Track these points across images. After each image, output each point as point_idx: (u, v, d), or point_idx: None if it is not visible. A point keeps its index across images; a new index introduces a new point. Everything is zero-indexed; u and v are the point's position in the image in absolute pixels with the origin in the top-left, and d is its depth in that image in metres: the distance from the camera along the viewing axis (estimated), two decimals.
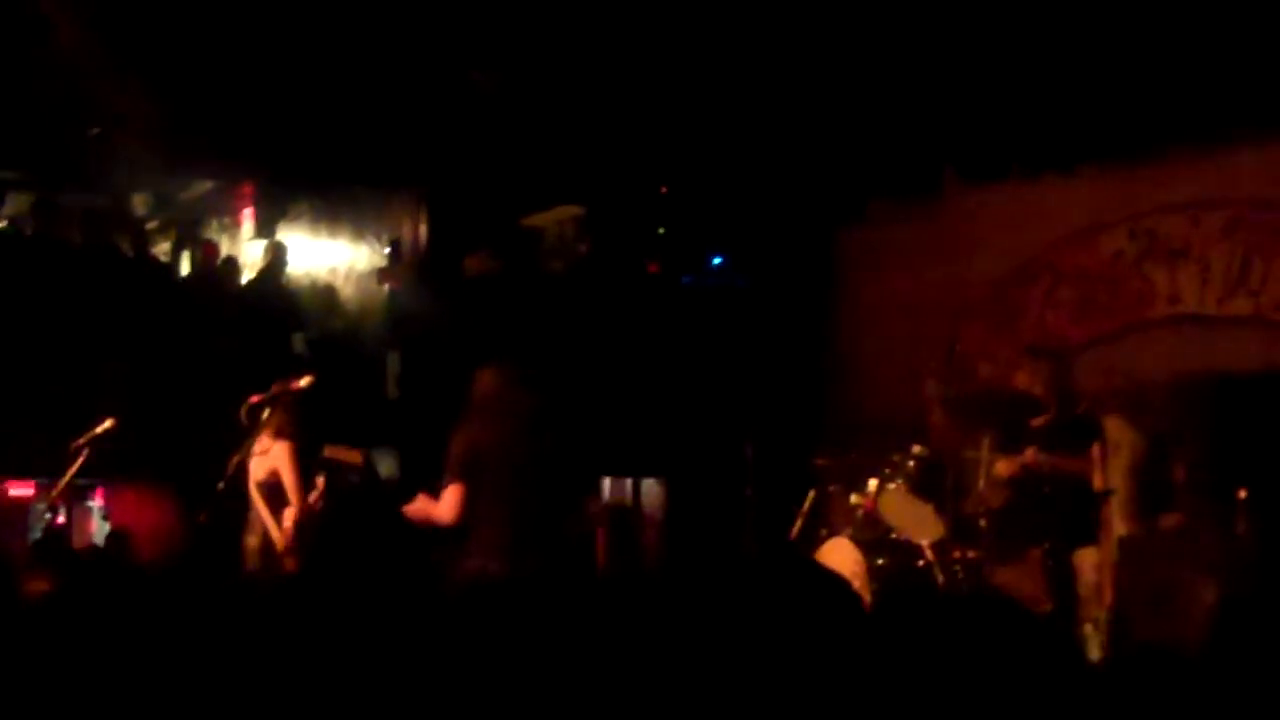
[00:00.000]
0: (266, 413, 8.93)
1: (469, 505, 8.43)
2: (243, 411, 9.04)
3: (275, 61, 12.80)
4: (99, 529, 12.59)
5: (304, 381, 9.16)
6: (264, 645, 3.77)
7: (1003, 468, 10.04)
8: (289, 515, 9.57)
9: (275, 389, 9.09)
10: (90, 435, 9.57)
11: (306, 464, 9.66)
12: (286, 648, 3.75)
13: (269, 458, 9.59)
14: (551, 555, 8.35)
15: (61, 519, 11.03)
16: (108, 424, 9.62)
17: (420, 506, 8.67)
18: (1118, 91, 11.06)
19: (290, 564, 9.37)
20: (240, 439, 9.13)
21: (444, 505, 8.50)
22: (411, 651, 3.88)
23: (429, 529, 8.73)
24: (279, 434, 9.53)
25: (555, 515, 8.69)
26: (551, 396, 8.96)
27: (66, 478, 9.62)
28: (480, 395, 8.87)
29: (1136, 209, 11.58)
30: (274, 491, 9.62)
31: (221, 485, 9.00)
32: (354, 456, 9.57)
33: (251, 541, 9.79)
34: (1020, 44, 11.21)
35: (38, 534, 11.58)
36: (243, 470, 9.39)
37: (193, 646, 4.00)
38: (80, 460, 9.52)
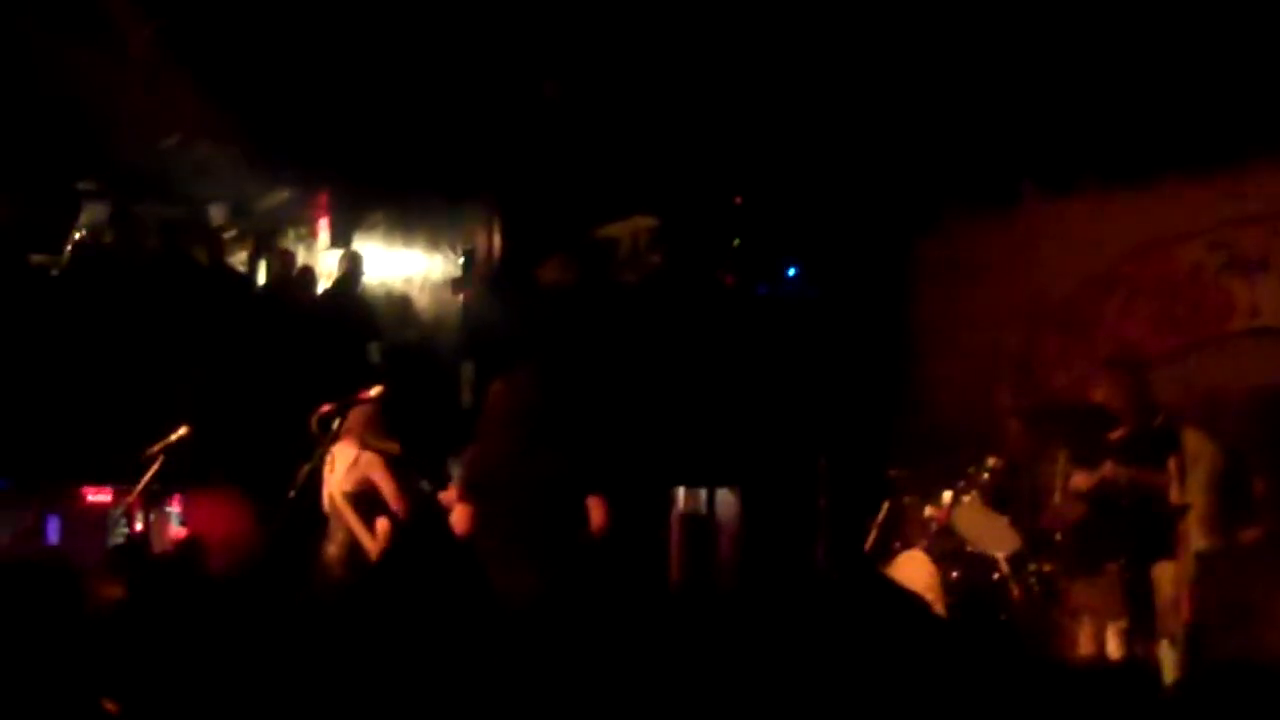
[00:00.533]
0: (337, 422, 8.93)
1: (477, 522, 8.51)
2: (313, 420, 9.05)
3: (351, 72, 12.86)
4: (177, 535, 12.68)
5: (374, 391, 9.16)
6: (337, 651, 3.78)
7: (1079, 481, 9.94)
8: (383, 524, 9.60)
9: (346, 399, 9.10)
10: (165, 442, 9.62)
11: (399, 473, 9.71)
12: (359, 653, 3.75)
13: (359, 467, 9.62)
14: (561, 571, 8.36)
15: (139, 525, 11.11)
16: (183, 431, 9.66)
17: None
18: (1197, 101, 10.94)
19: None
20: (312, 448, 9.15)
21: (455, 522, 8.59)
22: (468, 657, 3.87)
23: None
24: (364, 444, 9.60)
25: (567, 529, 8.67)
26: (577, 403, 8.97)
27: (141, 484, 9.67)
28: (489, 408, 8.94)
29: (1215, 220, 11.44)
30: (366, 500, 9.66)
31: (292, 494, 9.03)
32: (392, 447, 9.54)
33: (332, 551, 9.82)
34: (1100, 54, 11.12)
35: (118, 539, 11.69)
36: (316, 479, 9.42)
37: (260, 653, 4.01)
38: (155, 467, 9.56)
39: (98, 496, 12.70)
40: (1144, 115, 11.35)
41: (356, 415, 9.34)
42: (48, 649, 4.25)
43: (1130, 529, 9.60)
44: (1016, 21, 11.29)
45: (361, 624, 3.98)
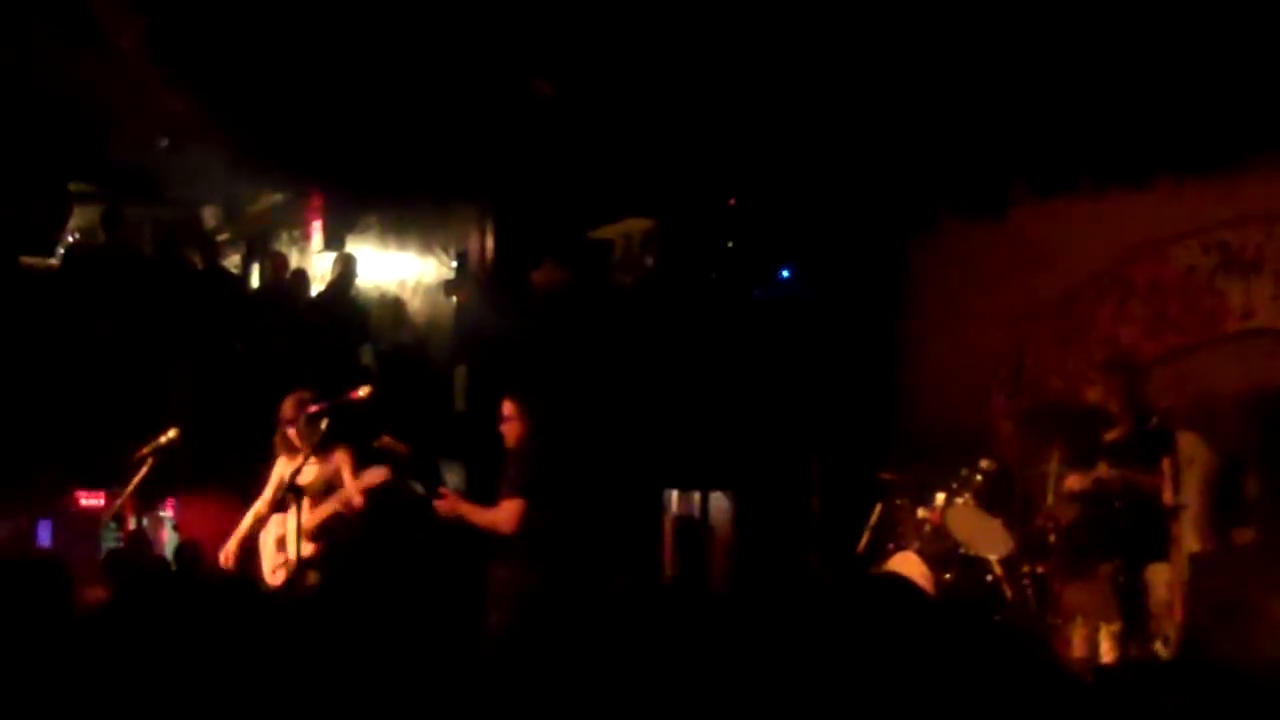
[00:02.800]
0: (325, 423, 8.93)
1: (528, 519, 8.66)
2: (302, 421, 9.06)
3: (343, 74, 12.83)
4: (170, 539, 12.65)
5: (363, 392, 9.15)
6: (301, 649, 3.76)
7: (1073, 482, 9.94)
8: (320, 510, 9.50)
9: (335, 400, 9.10)
10: (154, 445, 9.60)
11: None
12: (323, 651, 3.73)
13: (330, 465, 9.58)
14: (598, 568, 8.48)
15: (131, 528, 11.10)
16: (172, 434, 9.64)
17: (471, 510, 8.87)
18: (1191, 103, 10.92)
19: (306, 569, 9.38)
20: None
21: (504, 516, 8.68)
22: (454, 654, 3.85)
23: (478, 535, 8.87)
24: (334, 444, 9.55)
25: (605, 529, 8.86)
26: (608, 412, 9.11)
27: (130, 487, 9.65)
28: (544, 413, 9.07)
29: (1209, 222, 11.41)
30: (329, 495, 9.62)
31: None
32: (400, 447, 9.51)
33: (267, 542, 9.79)
34: (1094, 55, 11.10)
35: (110, 544, 11.67)
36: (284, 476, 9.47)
37: (248, 654, 3.99)
38: (145, 470, 9.54)
39: (90, 501, 12.68)
40: (1138, 116, 11.33)
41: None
42: (37, 651, 4.24)
43: (1124, 531, 9.60)
44: (1010, 23, 11.27)
45: (332, 620, 3.97)
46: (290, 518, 9.46)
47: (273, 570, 9.70)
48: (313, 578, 9.36)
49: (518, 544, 8.89)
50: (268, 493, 9.87)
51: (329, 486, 9.49)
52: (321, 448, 9.24)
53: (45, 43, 12.17)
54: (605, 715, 3.78)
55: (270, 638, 4.07)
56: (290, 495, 9.26)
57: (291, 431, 9.69)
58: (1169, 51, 10.71)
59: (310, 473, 9.54)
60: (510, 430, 9.47)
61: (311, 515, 9.39)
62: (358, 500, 9.37)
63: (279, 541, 9.70)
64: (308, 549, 9.40)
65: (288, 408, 9.74)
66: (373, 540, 9.60)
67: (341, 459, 9.51)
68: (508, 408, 9.50)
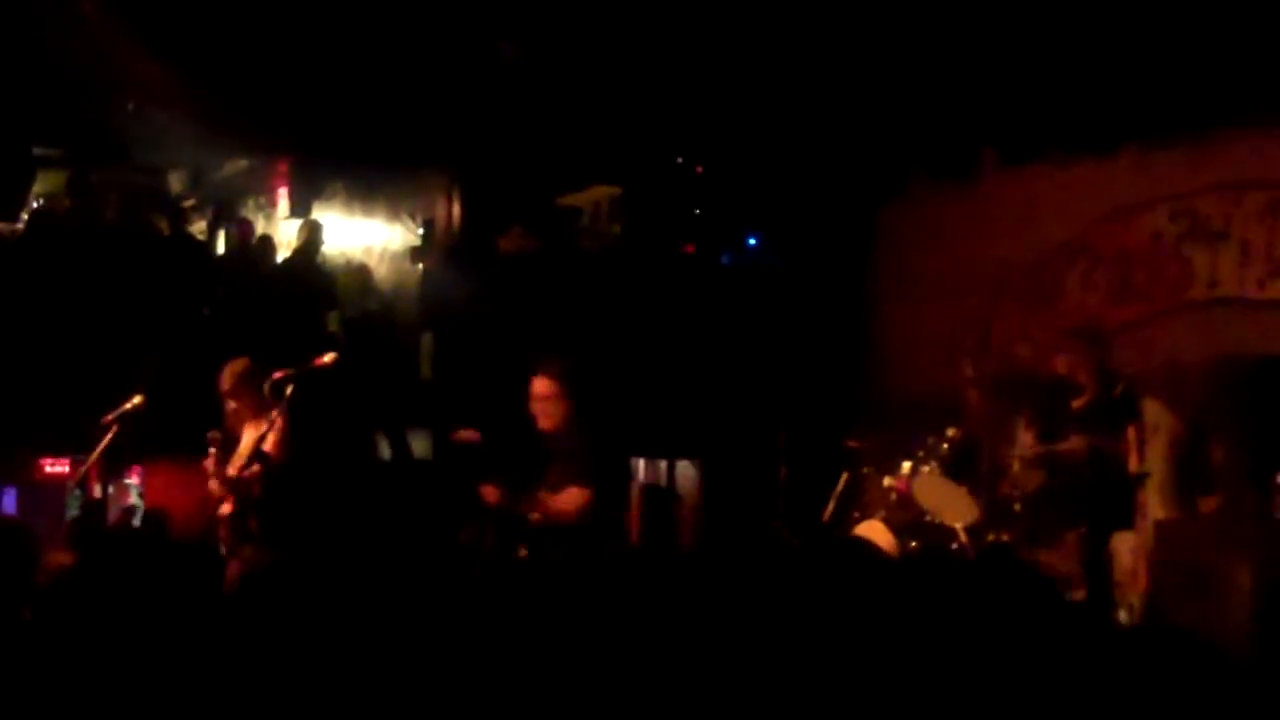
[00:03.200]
0: (290, 389, 8.87)
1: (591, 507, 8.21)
2: (266, 387, 8.99)
3: (309, 39, 12.77)
4: (136, 506, 12.61)
5: (328, 358, 9.09)
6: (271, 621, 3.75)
7: (1035, 448, 9.97)
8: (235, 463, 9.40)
9: (300, 365, 9.03)
10: (119, 411, 9.54)
11: (301, 437, 9.50)
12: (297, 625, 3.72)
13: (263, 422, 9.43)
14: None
15: (96, 495, 11.05)
16: (136, 400, 9.58)
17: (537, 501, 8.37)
18: (1158, 71, 10.93)
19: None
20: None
21: (571, 507, 8.24)
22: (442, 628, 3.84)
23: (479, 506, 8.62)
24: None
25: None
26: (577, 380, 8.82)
27: (95, 454, 9.58)
28: (587, 390, 8.61)
29: (1176, 190, 11.44)
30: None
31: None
32: (473, 436, 9.07)
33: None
34: (1060, 23, 11.10)
35: (75, 511, 11.62)
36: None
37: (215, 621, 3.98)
38: (109, 437, 9.48)
39: (55, 468, 12.63)
40: (1107, 84, 11.34)
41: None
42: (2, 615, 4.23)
43: (1089, 498, 9.61)
44: None
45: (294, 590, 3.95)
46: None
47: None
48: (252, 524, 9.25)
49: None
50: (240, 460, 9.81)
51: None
52: (287, 414, 9.15)
53: (9, 4, 12.08)
54: (581, 679, 3.78)
55: (234, 604, 4.06)
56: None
57: (232, 404, 9.58)
58: (1137, 19, 10.72)
59: (247, 437, 9.50)
60: (549, 411, 8.52)
61: (231, 466, 9.34)
62: (254, 467, 9.19)
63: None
64: (226, 507, 9.35)
65: (225, 379, 9.63)
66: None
67: (278, 421, 9.27)
68: (543, 386, 8.54)
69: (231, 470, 9.25)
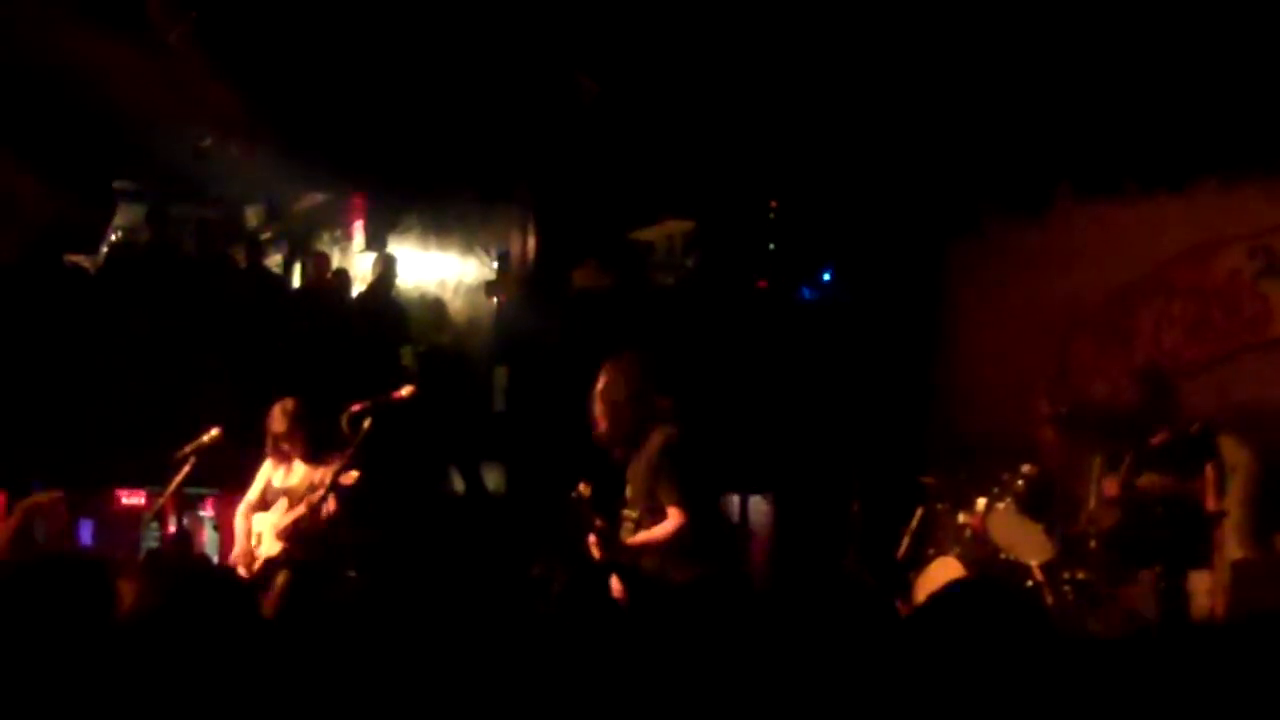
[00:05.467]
0: (368, 422, 8.89)
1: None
2: (344, 420, 9.01)
3: (386, 74, 12.85)
4: (210, 539, 12.67)
5: (405, 392, 9.12)
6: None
7: (1111, 487, 9.89)
8: (293, 512, 9.53)
9: (377, 399, 9.05)
10: (197, 444, 9.59)
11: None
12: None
13: (318, 471, 9.53)
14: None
15: (172, 528, 11.10)
16: (214, 433, 9.63)
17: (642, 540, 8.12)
18: (1236, 105, 10.87)
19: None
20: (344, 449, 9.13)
21: (666, 533, 7.88)
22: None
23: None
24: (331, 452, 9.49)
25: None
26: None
27: (171, 487, 9.62)
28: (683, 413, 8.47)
29: (1254, 226, 11.35)
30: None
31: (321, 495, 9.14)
32: (585, 490, 8.77)
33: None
34: (1139, 58, 11.06)
35: (151, 543, 11.70)
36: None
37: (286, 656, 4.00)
38: (186, 470, 9.53)
39: (131, 499, 12.71)
40: (1183, 118, 11.28)
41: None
42: (76, 651, 4.24)
43: (1165, 537, 9.53)
44: (1055, 24, 11.23)
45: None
46: (270, 516, 9.70)
47: (238, 561, 9.73)
48: (281, 578, 9.41)
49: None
50: (252, 494, 9.95)
51: (310, 491, 9.47)
52: (364, 448, 9.17)
53: (92, 39, 12.21)
54: (643, 708, 3.78)
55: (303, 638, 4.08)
56: (274, 496, 9.60)
57: (285, 445, 9.77)
58: (1214, 54, 10.66)
59: (297, 476, 9.62)
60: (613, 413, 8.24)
61: (284, 516, 9.49)
62: (330, 505, 9.28)
63: (255, 537, 9.79)
64: (275, 548, 9.55)
65: (276, 419, 9.79)
66: (341, 544, 9.53)
67: (330, 467, 9.32)
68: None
69: (289, 513, 9.43)
